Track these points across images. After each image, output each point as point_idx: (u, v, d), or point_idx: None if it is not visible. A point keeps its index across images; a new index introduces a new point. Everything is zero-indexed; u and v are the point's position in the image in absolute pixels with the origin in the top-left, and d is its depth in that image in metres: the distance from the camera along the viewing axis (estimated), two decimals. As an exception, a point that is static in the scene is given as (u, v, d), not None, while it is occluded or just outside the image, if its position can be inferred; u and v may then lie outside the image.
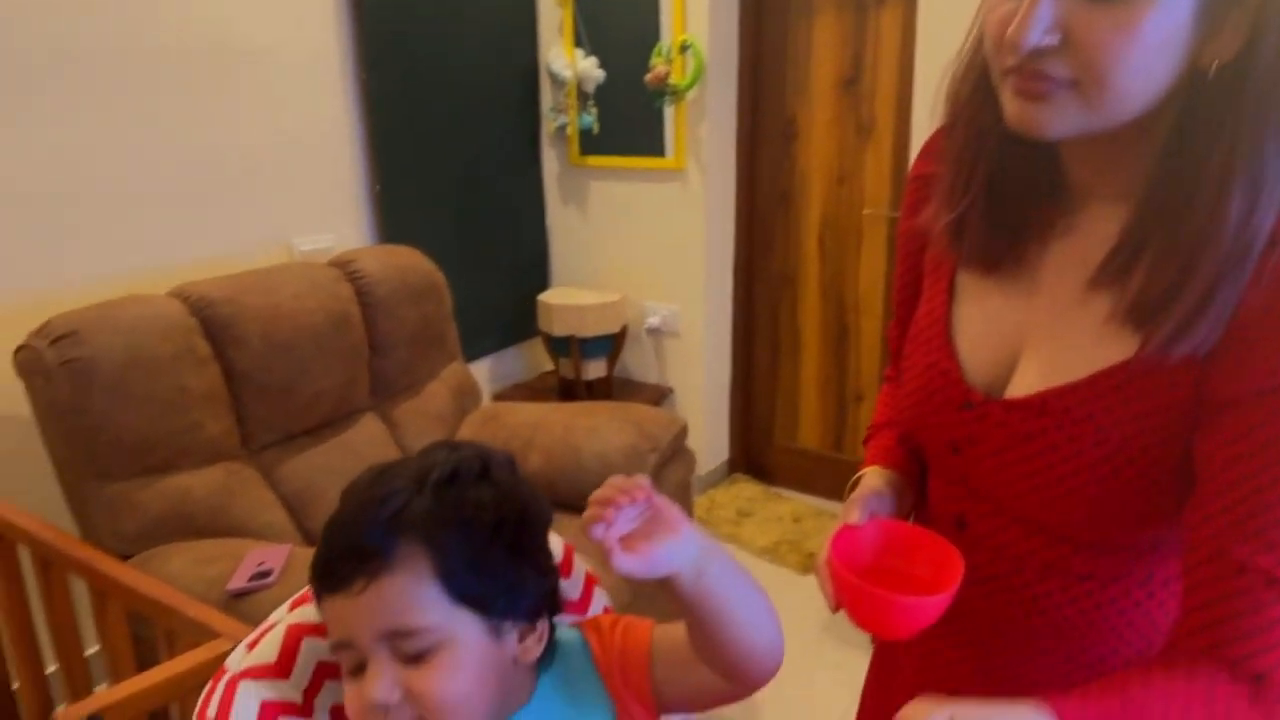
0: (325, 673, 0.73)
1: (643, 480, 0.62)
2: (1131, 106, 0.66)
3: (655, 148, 3.03)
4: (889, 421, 0.96)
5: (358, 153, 2.72)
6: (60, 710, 1.06)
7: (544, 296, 3.14)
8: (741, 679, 0.72)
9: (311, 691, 0.73)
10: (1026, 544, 0.78)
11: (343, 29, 2.62)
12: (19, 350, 1.79)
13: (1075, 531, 0.75)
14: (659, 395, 3.16)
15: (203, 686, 1.11)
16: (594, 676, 0.74)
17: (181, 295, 1.99)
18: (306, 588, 0.71)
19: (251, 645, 0.74)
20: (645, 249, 3.16)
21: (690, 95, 2.91)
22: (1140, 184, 0.70)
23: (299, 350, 2.09)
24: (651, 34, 2.92)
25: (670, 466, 2.26)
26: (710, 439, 3.27)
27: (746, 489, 3.31)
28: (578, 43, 3.07)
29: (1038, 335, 0.77)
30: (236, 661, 0.72)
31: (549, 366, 3.31)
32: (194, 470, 1.90)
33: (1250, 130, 0.64)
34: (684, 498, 2.30)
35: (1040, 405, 0.73)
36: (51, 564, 1.49)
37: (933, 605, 0.73)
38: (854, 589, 0.73)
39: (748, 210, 3.16)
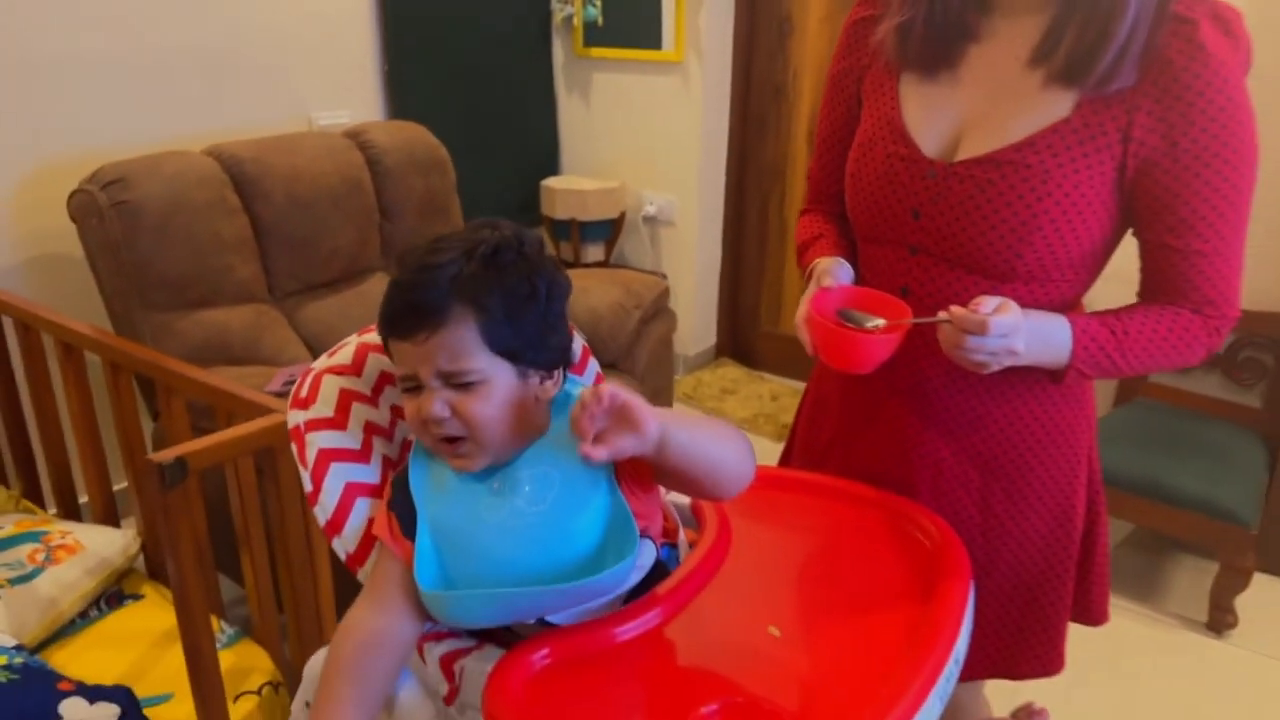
0: (386, 380, 0.97)
1: (604, 389, 0.77)
2: None
3: (656, 41, 3.19)
4: (821, 234, 1.18)
5: (374, 35, 2.90)
6: (152, 455, 1.31)
7: (547, 181, 3.34)
8: (712, 498, 0.94)
9: (376, 390, 0.96)
10: (972, 290, 0.98)
11: (361, -86, 2.77)
12: (74, 194, 2.02)
13: (1021, 267, 0.96)
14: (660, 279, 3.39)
15: (264, 447, 1.37)
16: None
17: (214, 153, 2.21)
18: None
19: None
20: (645, 140, 3.35)
21: (689, -11, 3.06)
22: None
23: (317, 208, 2.31)
24: (655, -73, 3.06)
25: (653, 323, 2.50)
26: (699, 324, 3.51)
27: (731, 371, 3.56)
28: (584, -65, 3.20)
29: (978, 113, 0.99)
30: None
31: (551, 250, 3.53)
32: (228, 307, 2.15)
33: None
34: (665, 352, 2.55)
35: (994, 159, 0.95)
36: (121, 368, 1.75)
37: (888, 341, 0.97)
38: (827, 331, 0.97)
39: (742, 104, 3.33)
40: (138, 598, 1.82)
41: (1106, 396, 2.66)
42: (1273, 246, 2.35)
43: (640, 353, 2.48)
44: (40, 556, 1.74)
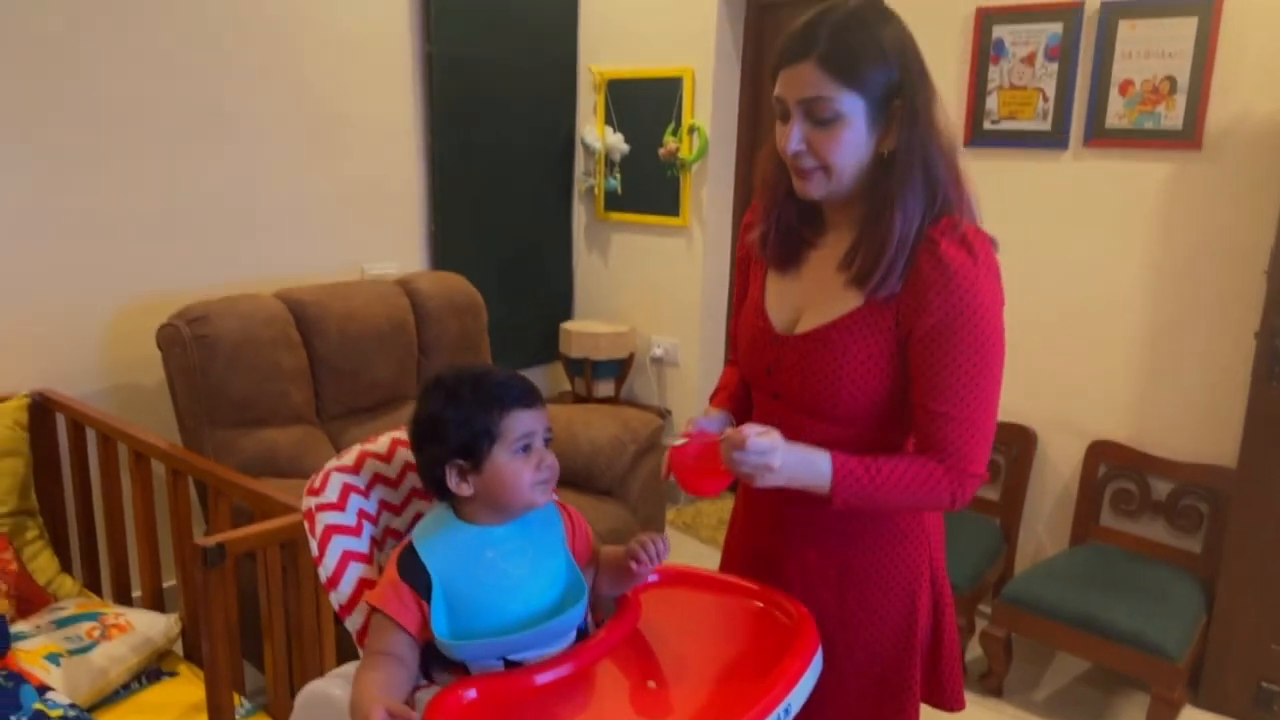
0: (377, 479, 1.29)
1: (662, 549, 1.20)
2: (850, 178, 1.24)
3: (666, 208, 3.65)
4: (724, 386, 1.52)
5: (421, 198, 3.39)
6: (198, 540, 1.63)
7: (565, 324, 3.74)
8: None
9: (369, 486, 1.28)
10: (814, 429, 1.28)
11: (417, 101, 3.30)
12: (163, 327, 2.43)
13: (841, 413, 1.27)
14: (659, 416, 3.72)
15: (289, 540, 1.69)
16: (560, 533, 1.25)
17: (282, 296, 2.64)
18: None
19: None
20: (654, 290, 3.76)
21: (695, 167, 3.53)
22: (858, 217, 1.27)
23: (365, 344, 2.71)
24: (667, 117, 3.56)
25: (647, 457, 2.81)
26: (701, 458, 3.80)
27: (730, 504, 3.81)
28: (607, 121, 3.72)
29: (809, 301, 1.32)
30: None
31: (566, 386, 3.90)
32: (280, 428, 2.52)
33: (900, 185, 1.21)
34: (657, 484, 2.84)
35: (815, 335, 1.28)
36: (180, 474, 2.11)
37: (718, 481, 1.27)
38: (677, 465, 1.28)
39: (742, 264, 3.73)
40: (173, 674, 2.12)
41: (1061, 537, 2.88)
42: (1206, 404, 2.61)
43: (633, 483, 2.79)
44: (96, 633, 2.06)
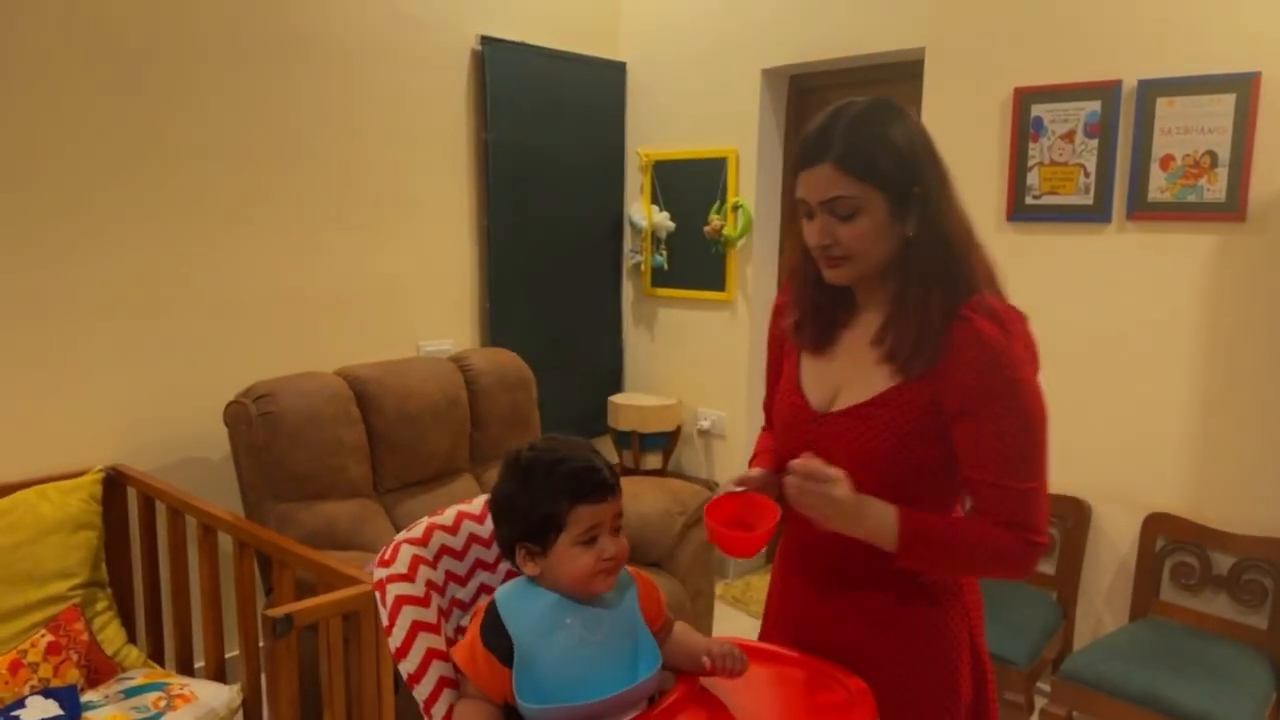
0: (445, 551, 1.34)
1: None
2: (877, 264, 1.31)
3: (712, 283, 3.73)
4: (764, 450, 1.55)
5: (475, 277, 3.50)
6: (266, 610, 1.69)
7: (614, 397, 3.80)
8: None
9: (437, 558, 1.33)
10: None
11: (473, 184, 3.45)
12: (230, 405, 2.54)
13: (878, 489, 1.29)
14: (707, 488, 3.74)
15: (353, 611, 1.74)
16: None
17: (343, 373, 2.74)
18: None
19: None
20: (700, 363, 3.82)
21: (740, 244, 3.61)
22: (889, 296, 1.33)
23: (421, 420, 2.79)
24: (712, 195, 3.66)
25: (696, 529, 2.82)
26: (750, 530, 3.80)
27: (779, 577, 3.80)
28: (654, 200, 3.84)
29: (845, 380, 1.37)
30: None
31: (615, 458, 3.94)
32: (339, 501, 2.59)
33: (922, 265, 1.27)
34: (705, 555, 2.85)
35: (851, 413, 1.32)
36: (246, 546, 2.18)
37: (755, 538, 1.31)
38: (713, 529, 1.32)
39: (788, 337, 3.78)
40: (235, 745, 2.16)
41: (1121, 612, 2.82)
42: (1264, 475, 2.57)
43: (682, 555, 2.80)
44: (162, 703, 2.11)
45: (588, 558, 1.18)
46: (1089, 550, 2.88)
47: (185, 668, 2.49)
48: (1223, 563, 2.66)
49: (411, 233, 3.29)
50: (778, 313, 1.53)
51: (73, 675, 2.16)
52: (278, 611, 1.67)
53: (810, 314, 1.41)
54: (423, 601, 1.27)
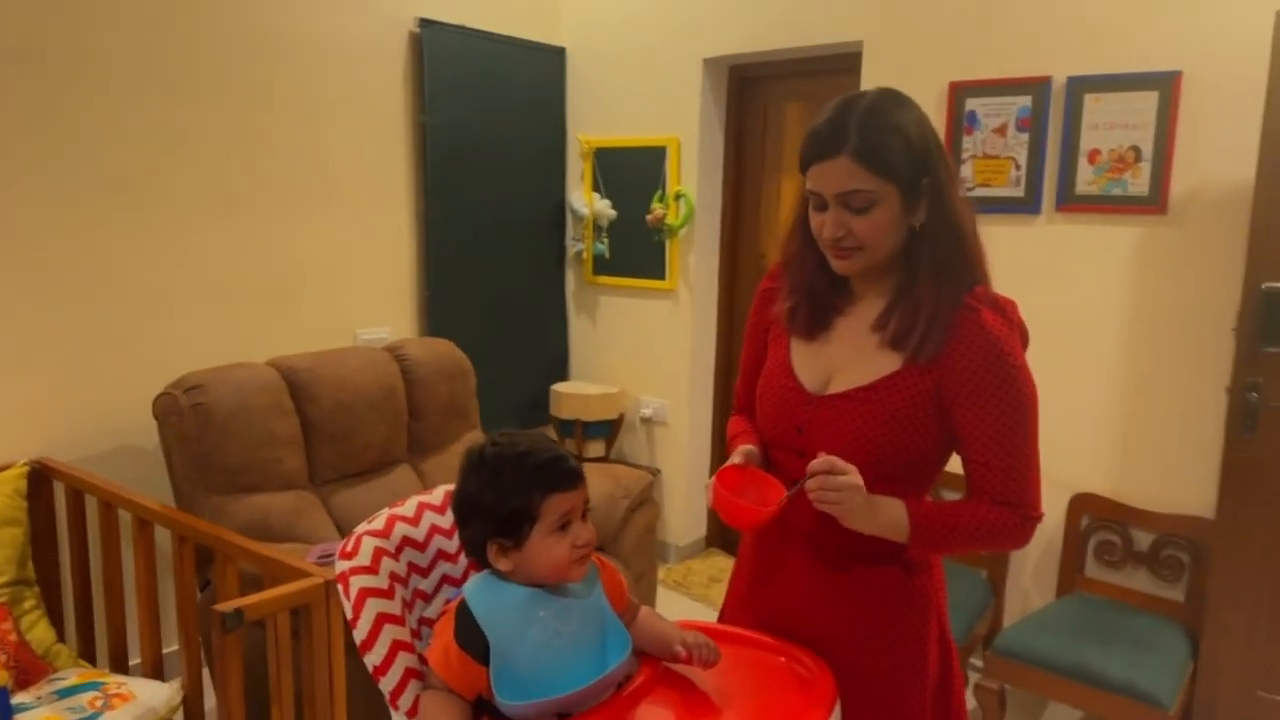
0: (406, 543, 1.32)
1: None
2: (887, 253, 1.33)
3: (654, 272, 3.74)
4: (742, 431, 1.57)
5: (413, 265, 3.45)
6: (215, 605, 1.64)
7: (556, 386, 3.80)
8: None
9: (398, 549, 1.31)
10: None
11: (410, 170, 3.39)
12: (159, 397, 2.45)
13: (871, 469, 1.30)
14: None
15: (303, 605, 1.70)
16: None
17: (275, 364, 2.67)
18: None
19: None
20: (643, 352, 3.83)
21: (682, 233, 3.63)
22: (890, 285, 1.35)
23: (356, 410, 2.74)
24: (653, 184, 3.67)
25: (639, 512, 2.84)
26: (689, 516, 3.84)
27: (719, 561, 3.85)
28: (595, 187, 3.83)
29: (839, 364, 1.39)
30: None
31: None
32: (274, 493, 2.53)
33: (933, 255, 1.30)
34: (648, 540, 2.87)
35: (851, 395, 1.35)
36: (186, 539, 2.11)
37: (764, 511, 1.32)
38: (722, 498, 1.33)
39: (727, 326, 3.82)
40: (175, 744, 2.10)
41: (1048, 589, 2.94)
42: (1183, 456, 2.70)
43: (626, 538, 2.82)
44: (99, 703, 2.04)
45: (563, 546, 1.18)
46: (1018, 530, 2.98)
47: (119, 666, 2.41)
48: (1143, 540, 2.79)
49: (348, 219, 3.22)
50: (763, 299, 1.54)
51: (1, 677, 2.07)
52: (228, 606, 1.63)
53: (807, 300, 1.43)
54: (386, 593, 1.26)
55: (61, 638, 2.42)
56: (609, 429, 3.77)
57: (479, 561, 1.22)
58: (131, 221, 2.65)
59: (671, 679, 1.30)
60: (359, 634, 1.22)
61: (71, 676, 2.15)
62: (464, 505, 1.22)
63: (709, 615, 3.23)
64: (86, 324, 2.59)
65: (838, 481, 1.24)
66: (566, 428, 3.74)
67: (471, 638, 1.15)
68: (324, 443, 2.69)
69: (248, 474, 2.49)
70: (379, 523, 1.33)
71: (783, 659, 1.36)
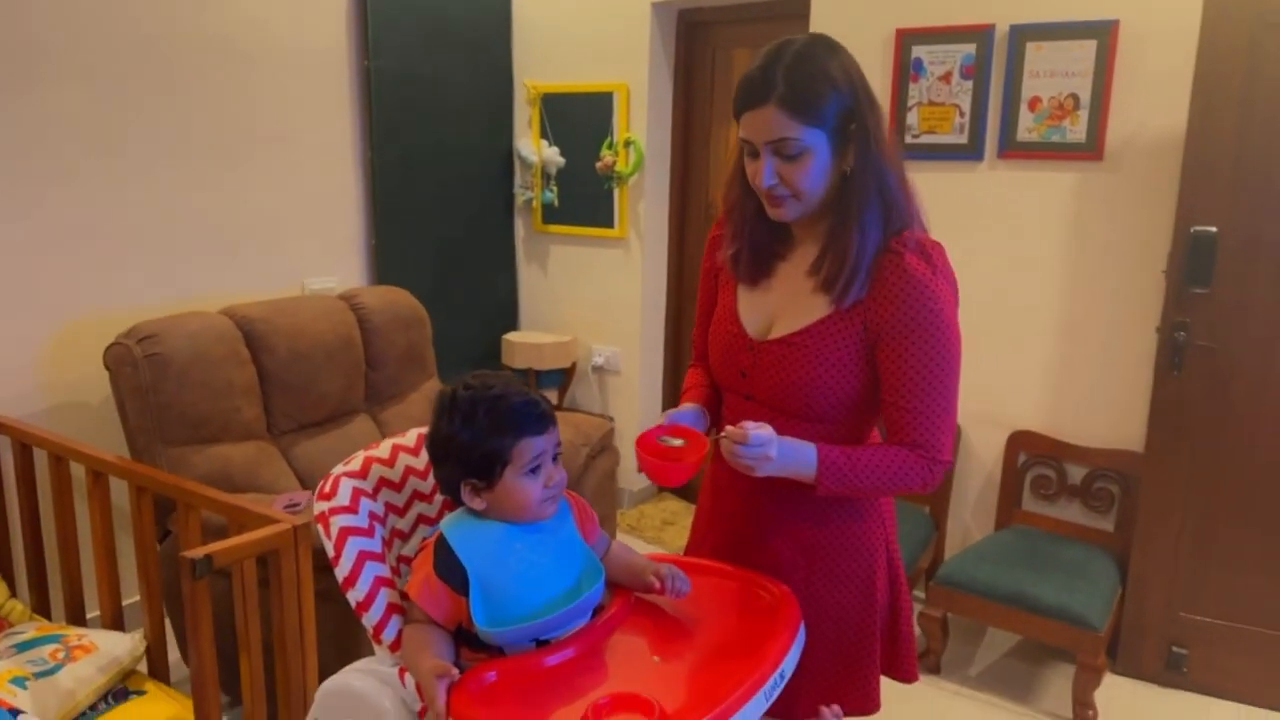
0: (383, 483, 1.34)
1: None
2: (818, 199, 1.36)
3: (603, 220, 3.75)
4: (693, 385, 1.62)
5: (361, 213, 3.40)
6: (184, 552, 1.65)
7: (508, 335, 3.80)
8: None
9: (376, 490, 1.34)
10: (787, 426, 1.39)
11: (355, 116, 3.32)
12: (111, 347, 2.41)
13: (810, 408, 1.38)
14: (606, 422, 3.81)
15: (271, 550, 1.71)
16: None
17: (229, 313, 2.63)
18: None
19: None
20: (593, 300, 3.85)
21: (632, 180, 3.64)
22: (824, 230, 1.39)
23: (313, 360, 2.72)
24: (603, 130, 3.66)
25: (599, 459, 2.90)
26: (643, 462, 3.90)
27: (671, 505, 3.93)
28: (543, 134, 3.80)
29: (779, 309, 1.44)
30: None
31: (510, 396, 3.95)
32: (233, 444, 2.52)
33: (859, 201, 1.33)
34: (609, 485, 2.93)
35: (788, 340, 1.39)
36: (144, 490, 2.10)
37: (685, 466, 1.37)
38: (644, 459, 1.38)
39: (677, 273, 3.86)
40: (141, 693, 2.11)
41: (986, 522, 3.08)
42: (1114, 393, 2.84)
43: (587, 485, 2.87)
44: (60, 655, 2.04)
45: (535, 487, 1.22)
46: (959, 468, 3.12)
47: (76, 620, 2.40)
48: (1076, 474, 2.93)
49: (292, 166, 3.16)
50: (712, 245, 1.57)
51: (-44, 633, 2.05)
52: (197, 552, 1.64)
53: (748, 247, 1.47)
54: (367, 532, 1.28)
55: (14, 593, 2.39)
56: (562, 378, 3.80)
57: (454, 499, 1.26)
58: (73, 169, 2.57)
59: (643, 608, 1.35)
60: (341, 571, 1.25)
61: (29, 630, 2.14)
62: (437, 447, 1.25)
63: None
64: (27, 274, 2.52)
65: (749, 454, 1.28)
66: (519, 377, 3.76)
67: (450, 569, 1.19)
68: (281, 393, 2.67)
69: (207, 425, 2.46)
70: (356, 464, 1.35)
71: (748, 586, 1.42)
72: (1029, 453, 3.00)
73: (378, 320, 2.95)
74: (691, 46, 3.68)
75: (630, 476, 3.85)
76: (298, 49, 3.10)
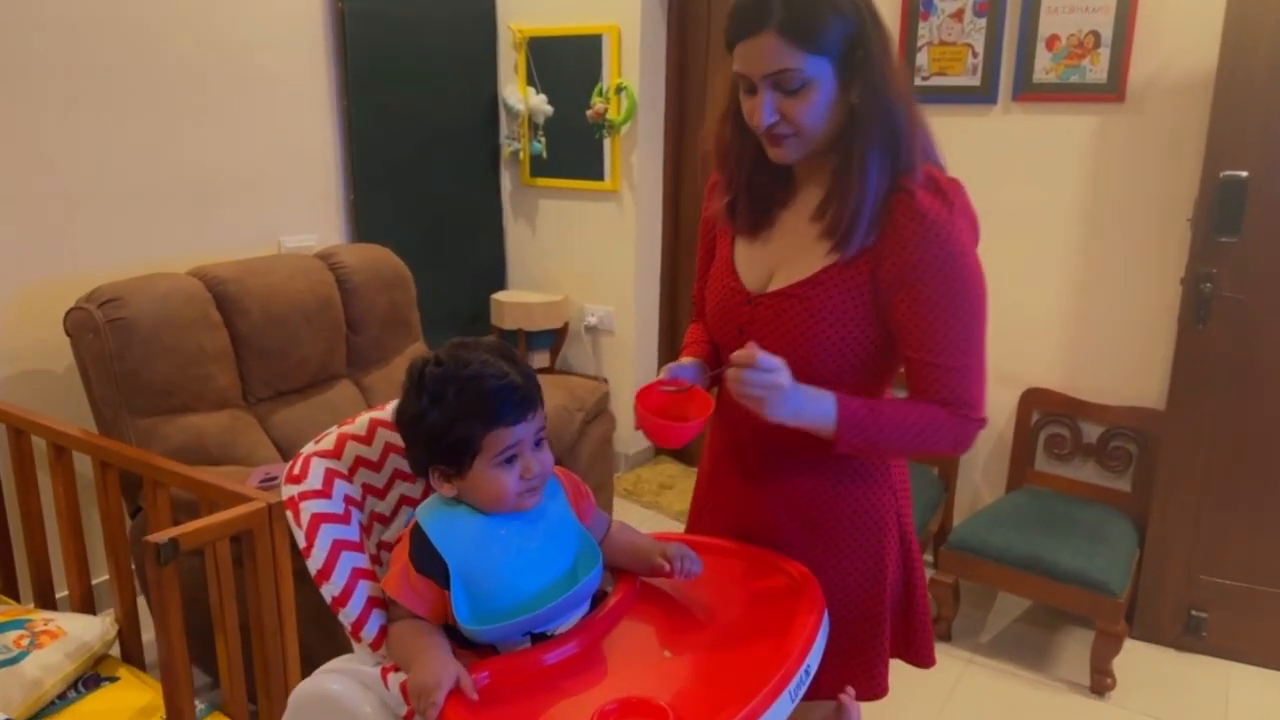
0: (360, 463, 1.21)
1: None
2: (824, 136, 1.22)
3: (594, 172, 3.57)
4: (694, 340, 1.48)
5: (338, 166, 3.22)
6: (147, 536, 1.51)
7: (497, 295, 3.64)
8: None
9: (352, 470, 1.20)
10: None
11: (331, 62, 3.13)
12: (71, 312, 2.25)
13: (814, 370, 1.23)
14: (600, 384, 3.67)
15: (245, 530, 1.58)
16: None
17: (199, 274, 2.47)
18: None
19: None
20: (585, 257, 3.69)
21: (624, 129, 3.46)
22: (829, 170, 1.25)
23: (290, 322, 2.57)
24: (593, 76, 3.47)
25: (594, 424, 2.76)
26: (638, 424, 3.78)
27: (669, 468, 3.82)
28: (530, 81, 3.61)
29: (781, 260, 1.30)
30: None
31: (500, 357, 3.80)
32: (207, 413, 2.37)
33: (865, 136, 1.19)
34: (605, 451, 2.80)
35: (788, 293, 1.25)
36: (109, 466, 1.96)
37: (687, 427, 1.24)
38: (644, 417, 1.24)
39: (673, 228, 3.70)
40: (113, 680, 1.99)
41: (998, 484, 2.97)
42: (1134, 349, 2.72)
43: (582, 451, 2.74)
44: (25, 641, 1.91)
45: (508, 479, 1.08)
46: (969, 427, 2.99)
47: (45, 600, 2.27)
48: (1092, 432, 2.82)
49: (264, 117, 2.97)
50: (709, 194, 1.43)
51: (-89, 621, 1.92)
52: (160, 536, 1.50)
53: (745, 194, 1.32)
54: (342, 518, 1.15)
55: (-21, 574, 2.26)
56: (553, 338, 3.66)
57: (428, 484, 1.13)
58: (27, 120, 2.39)
59: (650, 594, 1.23)
60: (314, 563, 1.11)
61: (-7, 615, 2.01)
62: (406, 426, 1.12)
63: (661, 522, 3.20)
64: (-22, 236, 2.35)
65: (759, 381, 1.14)
66: (509, 338, 3.61)
67: (429, 561, 1.06)
68: (257, 358, 2.52)
69: (177, 394, 2.32)
70: (328, 442, 1.21)
71: (762, 567, 1.30)
72: (1043, 411, 2.88)
73: (358, 280, 2.79)
74: (686, -14, 3.48)
75: (626, 439, 3.72)
76: (266, -10, 2.90)
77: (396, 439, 1.26)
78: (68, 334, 2.26)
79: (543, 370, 3.64)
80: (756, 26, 1.15)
